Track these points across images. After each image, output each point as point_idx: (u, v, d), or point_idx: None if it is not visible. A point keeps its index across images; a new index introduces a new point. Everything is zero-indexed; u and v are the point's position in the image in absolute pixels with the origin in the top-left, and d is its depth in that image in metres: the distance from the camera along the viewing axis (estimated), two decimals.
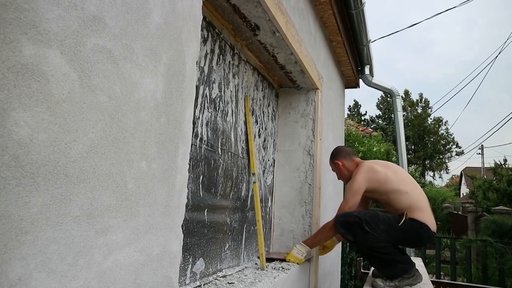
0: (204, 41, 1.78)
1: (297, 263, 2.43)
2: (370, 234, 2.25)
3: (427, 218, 2.36)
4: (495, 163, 16.00)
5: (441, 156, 36.41)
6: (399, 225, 2.29)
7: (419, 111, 35.67)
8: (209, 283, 1.80)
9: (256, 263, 2.38)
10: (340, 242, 3.39)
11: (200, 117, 1.77)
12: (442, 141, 36.20)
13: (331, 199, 3.71)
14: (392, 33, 14.11)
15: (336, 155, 2.69)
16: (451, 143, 36.58)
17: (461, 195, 29.11)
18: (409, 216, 2.33)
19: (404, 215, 2.32)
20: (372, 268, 2.79)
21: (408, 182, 2.47)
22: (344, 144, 4.88)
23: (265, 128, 2.71)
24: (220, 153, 1.99)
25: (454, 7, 5.73)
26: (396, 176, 2.46)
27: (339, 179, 2.78)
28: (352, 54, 4.08)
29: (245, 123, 2.32)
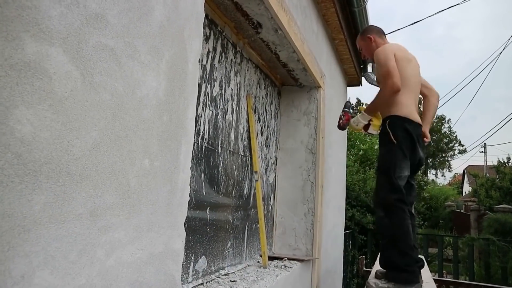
0: (206, 39, 1.78)
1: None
2: (405, 223, 2.08)
3: (408, 111, 2.20)
4: (498, 161, 15.95)
5: (443, 155, 36.28)
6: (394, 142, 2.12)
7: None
8: (211, 281, 1.80)
9: (258, 261, 2.38)
10: None
11: (203, 115, 1.77)
12: (445, 139, 36.08)
13: (333, 198, 3.70)
14: (392, 32, 13.96)
15: (369, 31, 2.61)
16: (454, 141, 36.46)
17: (464, 194, 29.05)
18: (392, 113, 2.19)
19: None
20: (375, 267, 2.78)
21: (414, 78, 2.33)
22: (346, 143, 4.88)
23: (268, 126, 2.71)
24: (222, 151, 1.99)
25: (457, 4, 5.69)
26: (409, 64, 2.35)
27: (364, 57, 2.69)
28: (354, 52, 4.06)
29: (247, 121, 2.31)
